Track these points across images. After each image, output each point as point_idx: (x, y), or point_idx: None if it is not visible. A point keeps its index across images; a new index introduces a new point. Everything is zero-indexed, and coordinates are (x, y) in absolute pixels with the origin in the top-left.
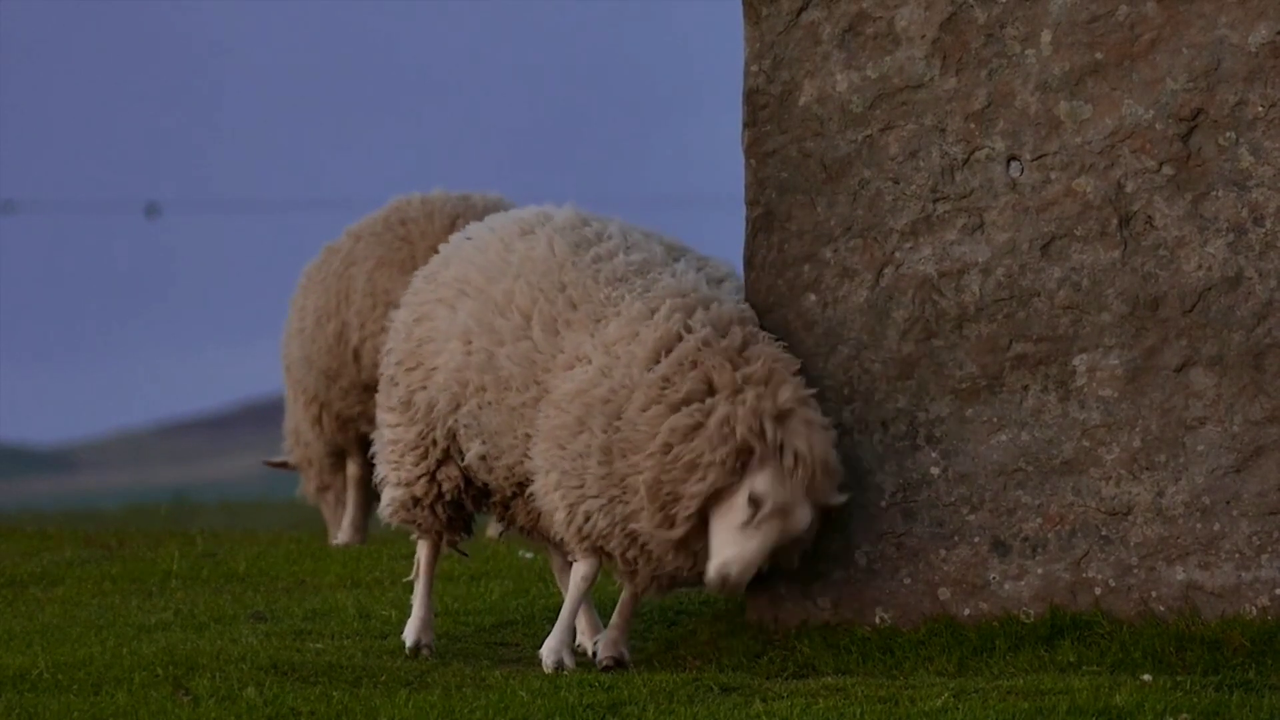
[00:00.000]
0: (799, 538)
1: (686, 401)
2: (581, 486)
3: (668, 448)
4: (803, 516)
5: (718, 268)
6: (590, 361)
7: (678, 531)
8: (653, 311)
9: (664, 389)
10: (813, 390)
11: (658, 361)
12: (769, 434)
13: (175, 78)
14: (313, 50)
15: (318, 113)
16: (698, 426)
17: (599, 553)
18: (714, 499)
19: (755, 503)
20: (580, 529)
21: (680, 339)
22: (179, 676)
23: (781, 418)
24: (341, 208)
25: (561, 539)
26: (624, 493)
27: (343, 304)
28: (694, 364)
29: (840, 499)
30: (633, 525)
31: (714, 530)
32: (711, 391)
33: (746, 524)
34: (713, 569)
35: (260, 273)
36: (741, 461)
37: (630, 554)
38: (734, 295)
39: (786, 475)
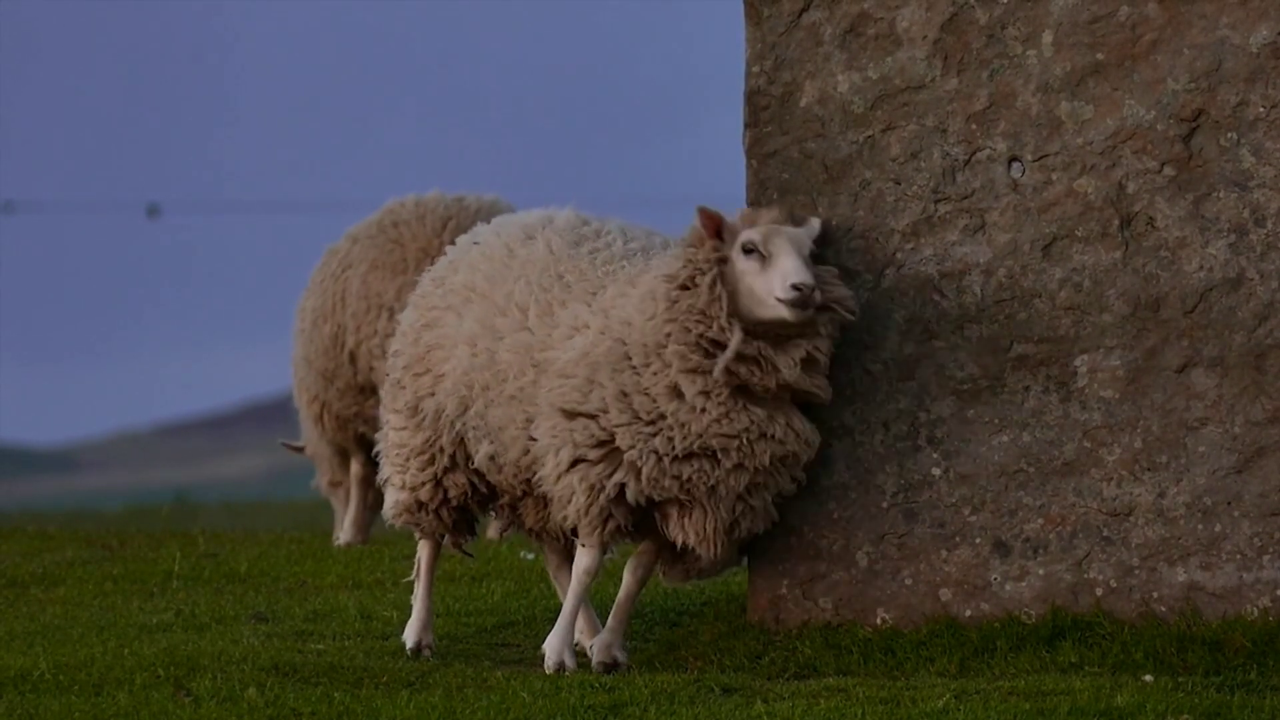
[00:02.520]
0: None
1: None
2: (603, 450)
3: (672, 319)
4: (798, 235)
5: None
6: (588, 327)
7: (714, 401)
8: (648, 266)
9: (651, 297)
10: None
11: (652, 296)
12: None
13: (176, 78)
14: (318, 50)
15: (320, 113)
16: (690, 281)
17: (615, 537)
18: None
19: (750, 246)
20: (604, 507)
21: (670, 278)
22: (180, 677)
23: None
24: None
25: (576, 526)
26: (654, 421)
27: (338, 306)
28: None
29: (816, 227)
30: (681, 442)
31: (750, 296)
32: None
33: (763, 266)
34: (781, 290)
35: (262, 274)
36: (717, 252)
37: (687, 478)
38: None
39: (760, 219)
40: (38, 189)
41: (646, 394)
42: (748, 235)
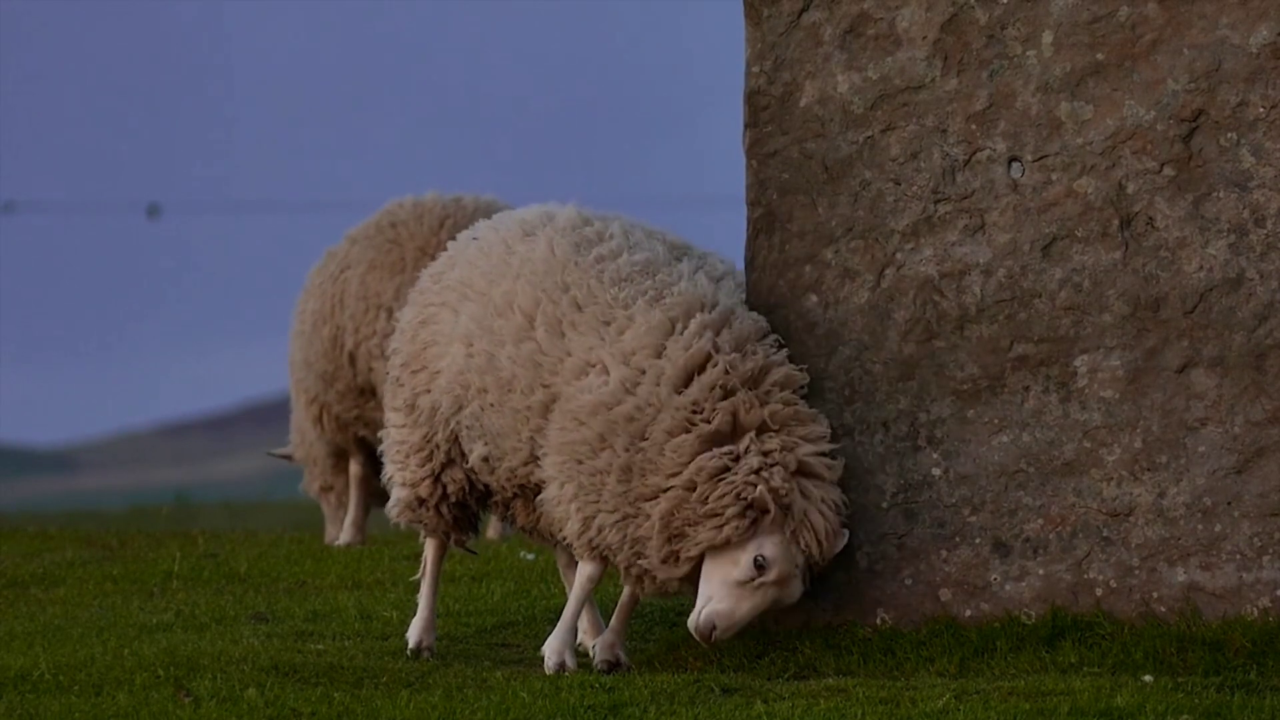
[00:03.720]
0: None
1: (716, 436)
2: (598, 501)
3: (692, 485)
4: (796, 589)
5: (715, 265)
6: (607, 372)
7: (681, 570)
8: (674, 322)
9: (693, 414)
10: (827, 438)
11: (687, 384)
12: (791, 500)
13: (176, 78)
14: (318, 50)
15: (320, 113)
16: (725, 470)
17: (606, 560)
18: (713, 549)
19: (760, 567)
20: (591, 540)
21: (709, 359)
22: (180, 677)
23: (802, 472)
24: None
25: (569, 543)
26: (637, 513)
27: (337, 308)
28: (724, 390)
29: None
30: (640, 548)
31: (707, 575)
32: (736, 426)
33: (745, 584)
34: (701, 617)
35: (262, 274)
36: (753, 519)
37: (634, 570)
38: (735, 294)
39: (793, 544)
40: (38, 189)
41: (647, 483)
42: (768, 556)
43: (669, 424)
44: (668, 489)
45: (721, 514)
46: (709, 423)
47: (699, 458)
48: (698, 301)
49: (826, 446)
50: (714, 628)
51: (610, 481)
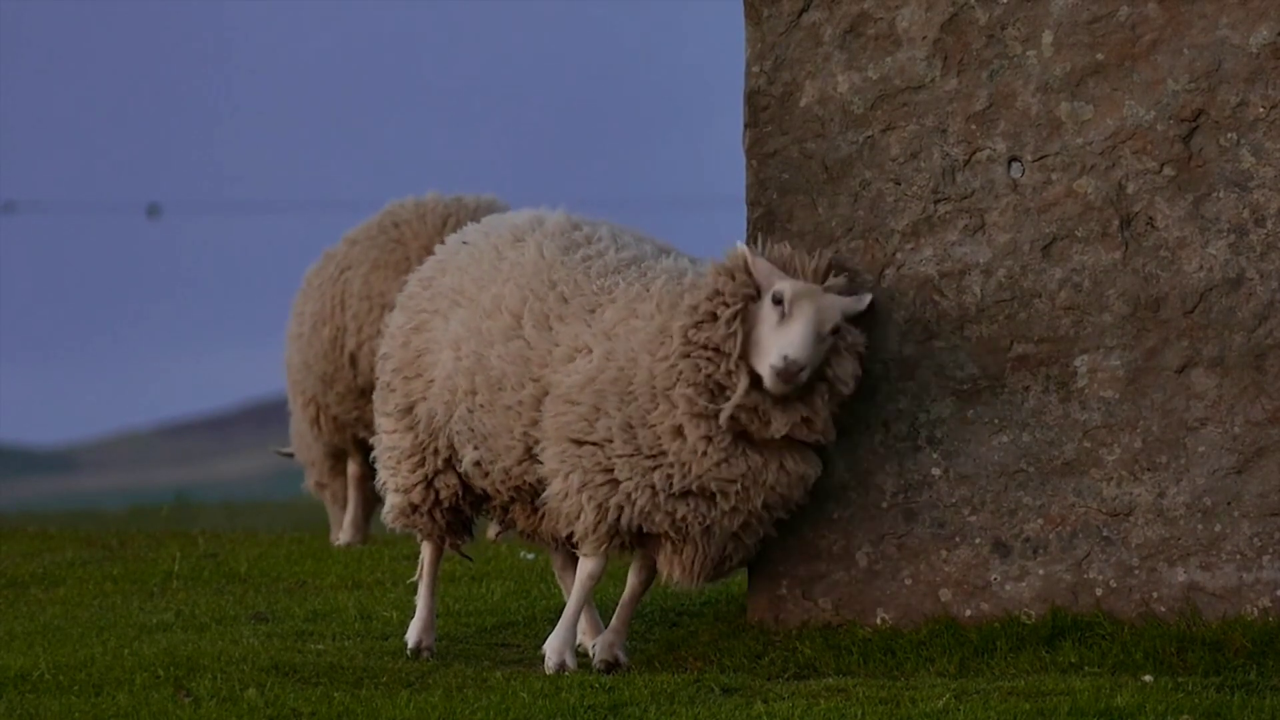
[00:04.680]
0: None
1: (692, 309)
2: (611, 478)
3: (686, 353)
4: (830, 305)
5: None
6: (591, 351)
7: (732, 402)
8: (648, 289)
9: (663, 337)
10: None
11: (663, 337)
12: (765, 258)
13: (177, 78)
14: (318, 50)
15: (320, 113)
16: (710, 316)
17: (621, 550)
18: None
19: (779, 299)
20: (612, 525)
21: (675, 302)
22: (180, 677)
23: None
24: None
25: (578, 540)
26: (655, 456)
27: (337, 309)
28: (694, 323)
29: (862, 303)
30: (678, 481)
31: (758, 346)
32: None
33: (781, 321)
34: (774, 357)
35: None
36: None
37: (681, 516)
38: None
39: (797, 272)
40: (38, 189)
41: (651, 429)
42: (780, 287)
43: (648, 360)
44: (667, 371)
45: (716, 319)
46: (687, 312)
47: (679, 322)
48: (672, 271)
49: None
50: (786, 354)
51: (617, 447)
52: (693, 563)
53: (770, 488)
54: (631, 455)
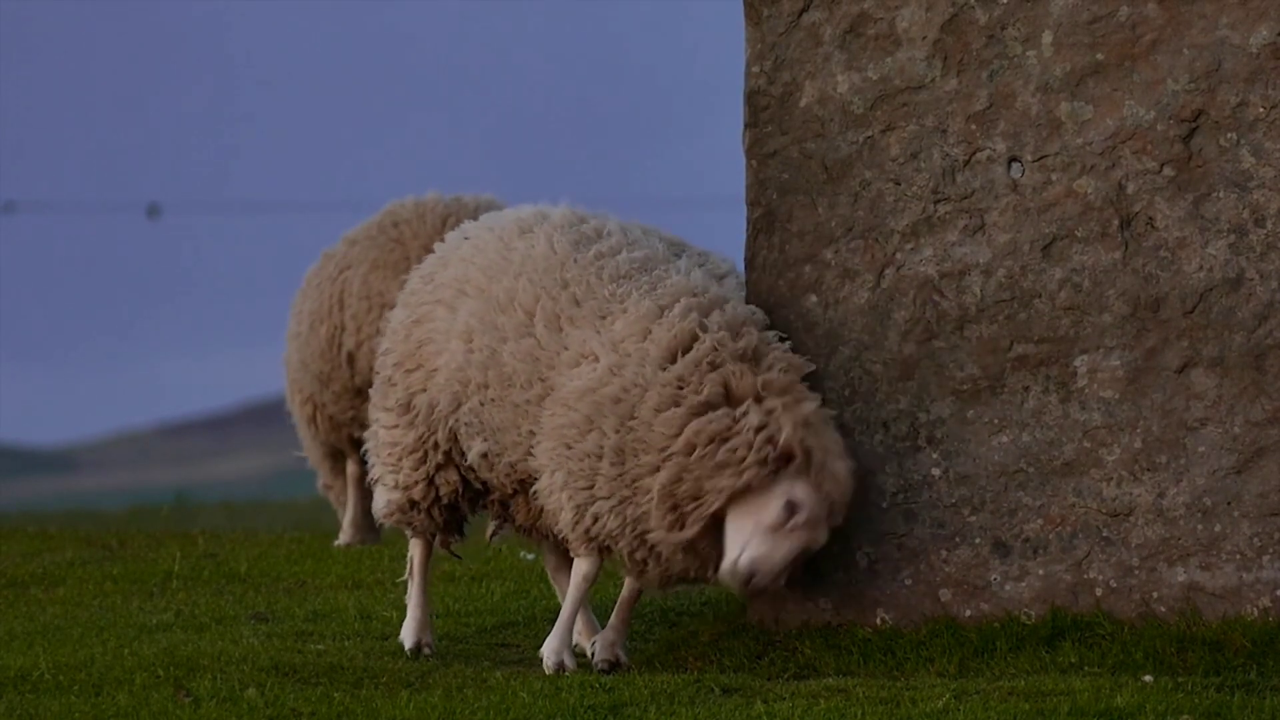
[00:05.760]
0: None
1: (707, 405)
2: (591, 487)
3: (691, 448)
4: (824, 533)
5: (718, 264)
6: (597, 359)
7: (689, 533)
8: (663, 309)
9: (680, 389)
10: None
11: (673, 361)
12: (811, 446)
13: (177, 77)
14: (319, 50)
15: (322, 113)
16: (726, 430)
17: (605, 551)
18: (735, 498)
19: (792, 509)
20: (588, 530)
21: (696, 338)
22: (180, 677)
23: (812, 428)
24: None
25: (564, 537)
26: (635, 494)
27: (335, 308)
28: (711, 365)
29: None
30: (642, 526)
31: (736, 527)
32: (729, 396)
33: (778, 528)
34: (740, 562)
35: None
36: (774, 467)
37: (639, 554)
38: (737, 292)
39: (819, 489)
40: (38, 189)
41: (640, 461)
42: (799, 498)
43: (656, 400)
44: (667, 459)
45: (732, 461)
46: (698, 394)
47: (693, 423)
48: (688, 289)
49: (827, 411)
50: (753, 573)
51: (603, 466)
52: (655, 579)
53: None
54: (615, 479)
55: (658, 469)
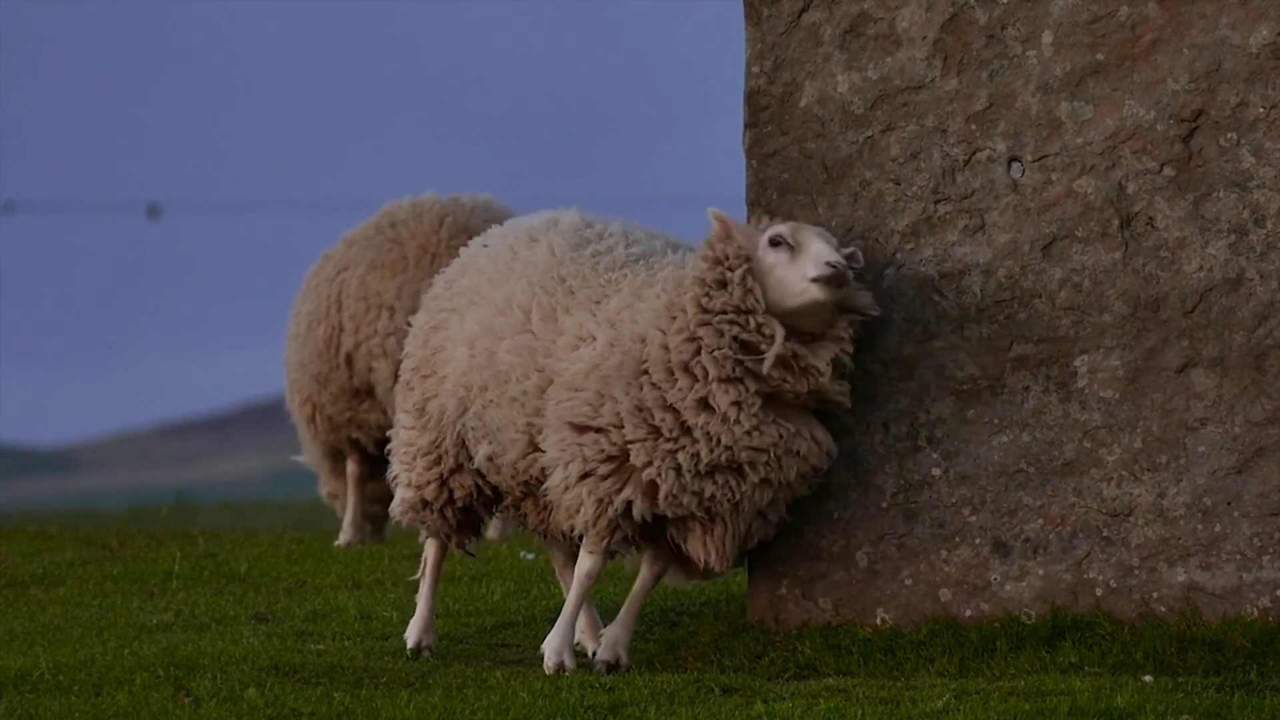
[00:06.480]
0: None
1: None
2: (615, 465)
3: (701, 308)
4: (826, 239)
5: None
6: (595, 338)
7: (747, 412)
8: (654, 278)
9: (673, 312)
10: None
11: (671, 318)
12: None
13: (177, 77)
14: (319, 50)
15: (321, 113)
16: (721, 276)
17: (626, 544)
18: (761, 276)
19: (778, 240)
20: (613, 520)
21: (684, 291)
22: (180, 677)
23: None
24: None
25: (579, 535)
26: (677, 437)
27: (333, 308)
28: (701, 308)
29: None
30: (703, 459)
31: (780, 288)
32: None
33: (792, 256)
34: (813, 270)
35: (263, 274)
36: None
37: (710, 495)
38: None
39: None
40: (38, 189)
41: (670, 409)
42: (775, 230)
43: (660, 341)
44: (694, 345)
45: (727, 284)
46: (686, 311)
47: (686, 306)
48: (679, 264)
49: None
50: (827, 262)
51: (628, 431)
52: (724, 542)
53: (802, 457)
54: (647, 438)
55: (693, 365)
